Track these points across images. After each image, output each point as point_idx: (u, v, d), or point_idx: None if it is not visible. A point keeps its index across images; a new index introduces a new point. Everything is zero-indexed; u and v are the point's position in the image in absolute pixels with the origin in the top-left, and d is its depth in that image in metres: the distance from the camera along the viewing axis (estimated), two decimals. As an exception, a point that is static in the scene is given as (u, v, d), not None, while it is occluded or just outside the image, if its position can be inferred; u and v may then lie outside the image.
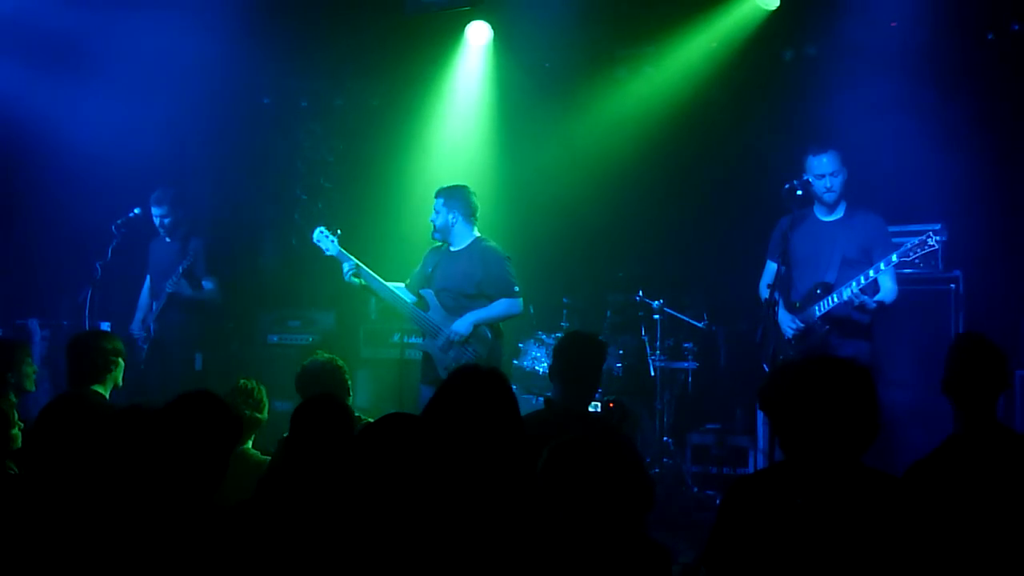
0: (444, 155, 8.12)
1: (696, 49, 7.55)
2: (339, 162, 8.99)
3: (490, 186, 7.58)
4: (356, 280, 6.08)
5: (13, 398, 4.80)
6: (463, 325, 5.88)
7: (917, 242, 5.10)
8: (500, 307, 5.96)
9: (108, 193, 7.51)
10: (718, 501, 5.07)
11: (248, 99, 8.63)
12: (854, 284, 5.25)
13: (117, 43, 7.33)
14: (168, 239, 7.25)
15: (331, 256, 6.16)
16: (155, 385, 6.67)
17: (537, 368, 7.19)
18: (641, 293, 7.28)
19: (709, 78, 7.51)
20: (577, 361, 4.32)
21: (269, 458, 4.52)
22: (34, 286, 8.07)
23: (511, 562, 2.62)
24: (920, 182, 6.65)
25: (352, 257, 6.10)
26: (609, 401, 6.80)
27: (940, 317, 6.36)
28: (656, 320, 7.23)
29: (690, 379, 7.32)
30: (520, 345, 7.34)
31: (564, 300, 7.56)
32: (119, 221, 6.98)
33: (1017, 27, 6.66)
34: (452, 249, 6.11)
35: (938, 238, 5.11)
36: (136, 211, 7.07)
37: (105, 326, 7.16)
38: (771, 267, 5.77)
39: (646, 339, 7.34)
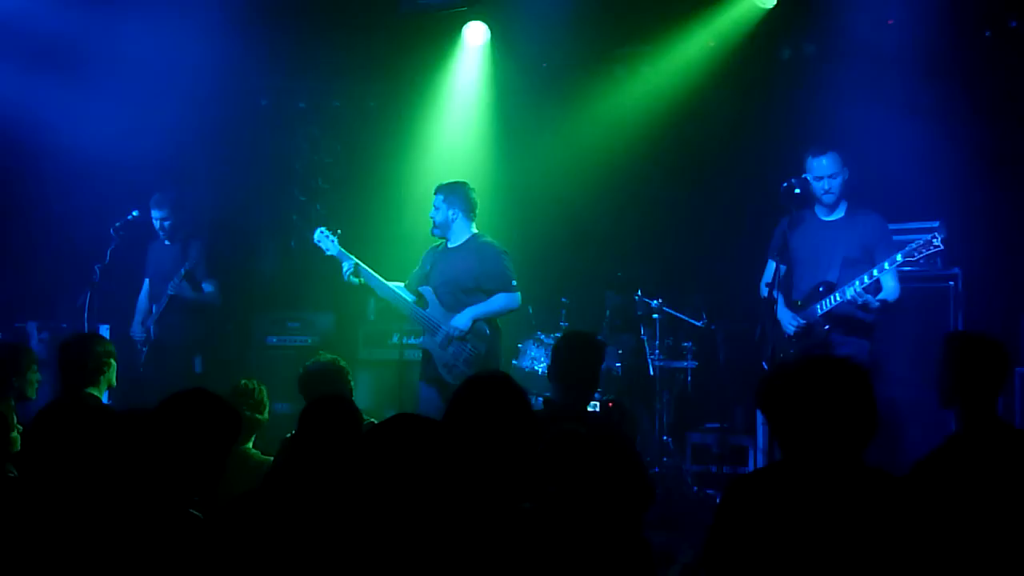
0: (442, 155, 8.12)
1: (694, 48, 7.56)
2: (337, 163, 8.99)
3: (488, 186, 7.57)
4: (355, 279, 6.10)
5: (13, 403, 4.79)
6: (462, 320, 5.88)
7: (923, 242, 5.09)
8: (498, 302, 5.96)
9: (107, 196, 7.50)
10: (718, 500, 5.07)
11: (246, 101, 8.62)
12: (857, 283, 5.25)
13: (115, 46, 7.32)
14: (168, 242, 7.25)
15: (331, 256, 6.18)
16: (154, 388, 6.63)
17: (536, 368, 7.19)
18: (640, 292, 7.28)
19: (707, 76, 7.52)
20: (576, 361, 4.32)
21: (270, 458, 4.52)
22: (33, 289, 8.06)
23: (512, 562, 2.62)
24: (918, 179, 6.65)
25: (352, 256, 6.12)
26: (608, 401, 6.79)
27: (939, 314, 6.36)
28: (655, 319, 7.23)
29: (689, 378, 7.32)
30: (519, 345, 7.34)
31: (563, 300, 7.55)
32: (118, 224, 6.97)
33: (1015, 24, 6.67)
34: (450, 246, 6.13)
35: (942, 237, 5.10)
36: (134, 213, 7.06)
37: (104, 329, 7.16)
38: (771, 266, 5.76)
39: (645, 338, 7.34)
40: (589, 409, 4.85)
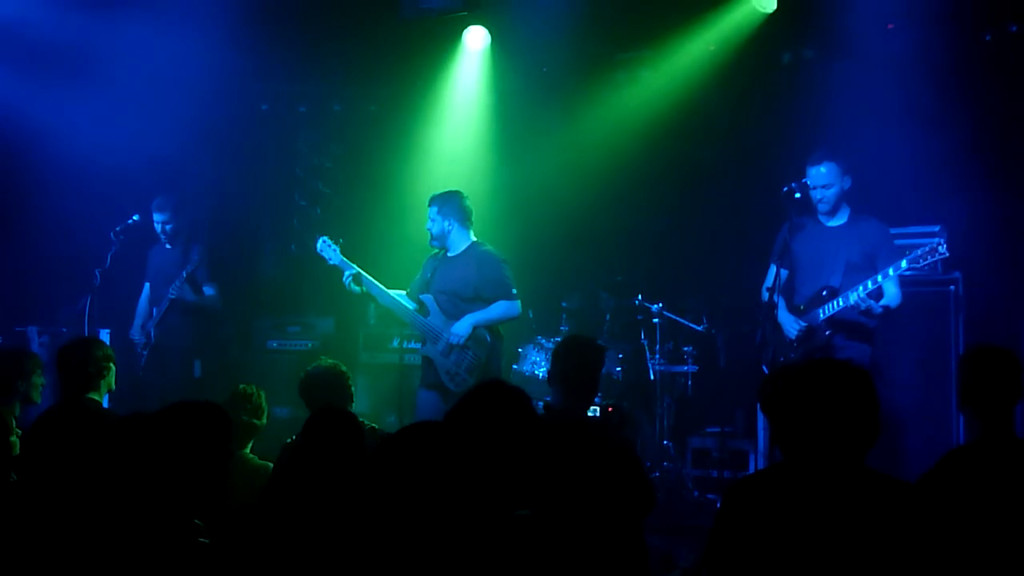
0: (442, 160, 8.13)
1: (694, 52, 7.56)
2: (337, 167, 9.00)
3: (489, 190, 7.59)
4: (356, 288, 6.10)
5: (17, 409, 4.79)
6: (462, 327, 5.88)
7: (928, 249, 5.07)
8: (498, 309, 5.97)
9: (107, 200, 7.50)
10: (719, 504, 5.06)
11: (246, 105, 8.63)
12: (860, 289, 5.25)
13: (116, 51, 7.32)
14: (169, 245, 7.25)
15: (334, 265, 6.19)
16: (154, 391, 6.66)
17: (536, 372, 7.19)
18: (640, 297, 7.28)
19: (707, 81, 7.52)
20: (576, 365, 4.32)
21: (268, 463, 4.52)
22: (33, 293, 8.06)
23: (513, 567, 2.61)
24: (919, 184, 6.65)
25: (354, 265, 6.12)
26: (608, 405, 6.79)
27: (940, 319, 6.36)
28: (655, 324, 7.24)
29: (690, 382, 7.32)
30: (519, 350, 7.34)
31: (563, 304, 7.56)
32: (118, 228, 6.97)
33: (1015, 28, 6.67)
34: (450, 255, 6.12)
35: (943, 240, 5.09)
36: (135, 218, 7.06)
37: (104, 333, 7.15)
38: (773, 270, 5.76)
39: (645, 343, 7.34)
40: (589, 414, 4.85)
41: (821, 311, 5.45)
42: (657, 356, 7.24)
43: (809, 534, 2.58)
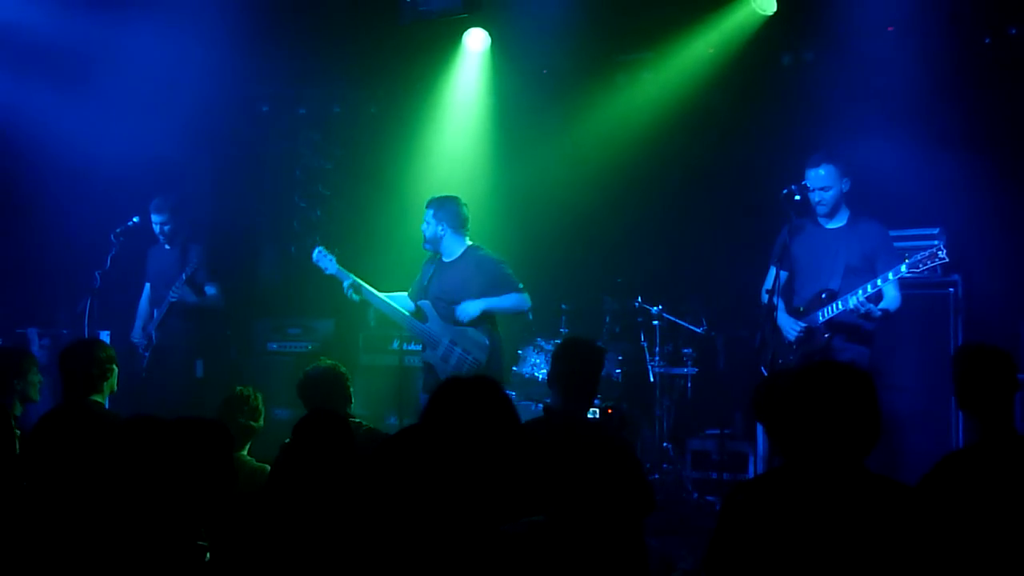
0: (442, 162, 8.13)
1: (694, 54, 7.56)
2: (337, 169, 9.00)
3: (489, 192, 7.60)
4: (356, 296, 6.11)
5: (18, 408, 4.79)
6: (471, 306, 5.87)
7: (928, 254, 5.07)
8: (510, 300, 5.96)
9: (107, 202, 7.51)
10: (718, 507, 5.07)
11: (246, 107, 8.64)
12: (860, 292, 5.24)
13: (116, 52, 7.33)
14: (167, 246, 7.25)
15: (331, 275, 6.19)
16: (156, 393, 6.68)
17: (536, 374, 7.19)
18: (640, 299, 7.28)
19: (707, 83, 7.53)
20: (576, 367, 4.31)
21: (266, 466, 4.51)
22: (33, 295, 8.07)
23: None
24: (918, 186, 6.65)
25: (351, 275, 6.12)
26: (608, 407, 6.80)
27: (939, 321, 6.36)
28: (655, 326, 7.24)
29: (689, 384, 7.32)
30: (519, 351, 7.34)
31: (563, 306, 7.56)
32: (118, 230, 6.98)
33: (1015, 31, 6.67)
34: (445, 260, 6.11)
35: (943, 243, 5.09)
36: (135, 220, 7.06)
37: (104, 335, 7.16)
38: (772, 272, 5.76)
39: (645, 345, 7.34)
40: (589, 415, 4.84)
41: (820, 313, 5.45)
42: (657, 358, 7.24)
43: (810, 537, 2.57)
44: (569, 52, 7.77)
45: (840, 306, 5.35)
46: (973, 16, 6.75)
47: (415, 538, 2.53)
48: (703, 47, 7.51)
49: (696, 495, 6.92)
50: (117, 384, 4.87)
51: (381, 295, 6.13)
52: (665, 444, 7.15)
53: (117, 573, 2.73)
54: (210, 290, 7.18)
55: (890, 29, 6.85)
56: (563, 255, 7.95)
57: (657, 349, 7.24)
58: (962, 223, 6.47)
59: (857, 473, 2.65)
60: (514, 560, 2.57)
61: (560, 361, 4.34)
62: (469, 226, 6.14)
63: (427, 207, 6.12)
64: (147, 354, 7.05)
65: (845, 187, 5.55)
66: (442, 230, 6.06)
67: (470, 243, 6.13)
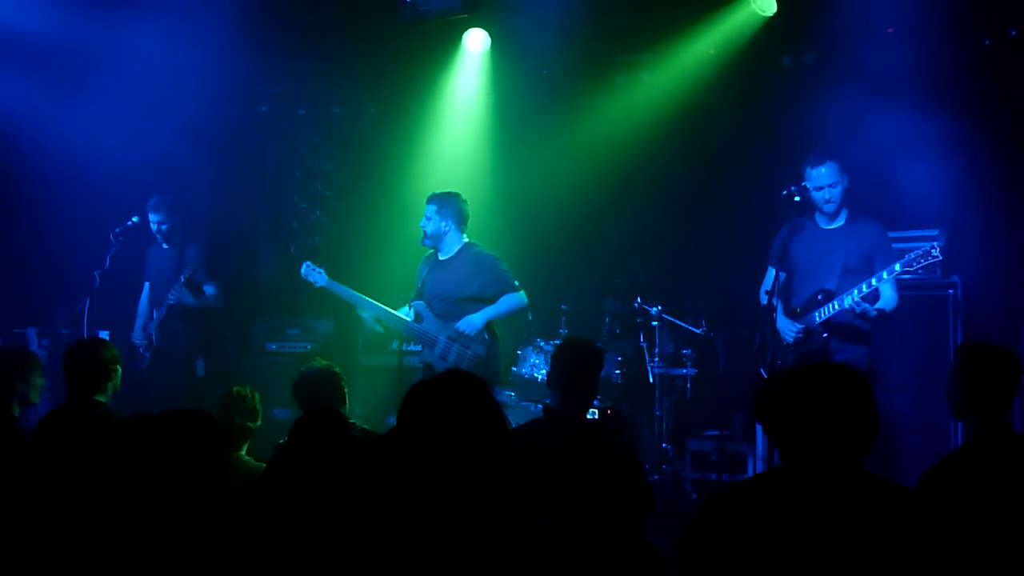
0: (442, 162, 8.12)
1: (694, 55, 7.56)
2: (337, 170, 8.99)
3: (488, 193, 7.59)
4: (364, 313, 6.15)
5: (16, 410, 4.77)
6: (476, 318, 5.89)
7: (921, 252, 5.09)
8: (507, 303, 5.98)
9: (106, 201, 7.51)
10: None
11: (246, 107, 8.63)
12: (855, 292, 5.25)
13: (115, 52, 7.32)
14: (165, 245, 7.25)
15: (320, 287, 6.21)
16: (157, 392, 6.67)
17: (536, 375, 7.19)
18: (639, 299, 7.28)
19: (707, 84, 7.52)
20: (575, 368, 4.31)
21: (263, 465, 4.51)
22: (32, 294, 8.07)
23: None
24: (918, 187, 6.66)
25: (342, 285, 6.15)
26: (607, 408, 6.79)
27: (938, 322, 6.36)
28: (654, 327, 7.24)
29: (689, 385, 7.32)
30: (519, 352, 7.34)
31: (562, 307, 7.55)
32: (117, 230, 6.98)
33: (1014, 33, 6.67)
34: (441, 257, 6.12)
35: (940, 245, 5.10)
36: (134, 220, 7.06)
37: (104, 335, 7.15)
38: (771, 273, 5.77)
39: (644, 346, 7.34)
40: (588, 416, 4.84)
41: (817, 314, 5.45)
42: (656, 359, 7.24)
43: (807, 538, 2.57)
44: (569, 53, 7.77)
45: (836, 306, 5.36)
46: (973, 18, 6.75)
47: (410, 539, 2.53)
48: (703, 48, 7.50)
49: (695, 496, 6.92)
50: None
51: (375, 302, 6.14)
52: (664, 445, 7.15)
53: (117, 572, 2.73)
54: (209, 290, 7.18)
55: (890, 31, 6.85)
56: (563, 255, 7.94)
57: (657, 350, 7.23)
58: (962, 224, 6.48)
59: (854, 474, 2.65)
60: (516, 562, 2.56)
61: (560, 362, 4.35)
62: (469, 223, 6.16)
63: (428, 203, 6.11)
64: (147, 354, 7.05)
65: (845, 183, 5.57)
66: (446, 226, 6.06)
67: (466, 240, 6.14)
